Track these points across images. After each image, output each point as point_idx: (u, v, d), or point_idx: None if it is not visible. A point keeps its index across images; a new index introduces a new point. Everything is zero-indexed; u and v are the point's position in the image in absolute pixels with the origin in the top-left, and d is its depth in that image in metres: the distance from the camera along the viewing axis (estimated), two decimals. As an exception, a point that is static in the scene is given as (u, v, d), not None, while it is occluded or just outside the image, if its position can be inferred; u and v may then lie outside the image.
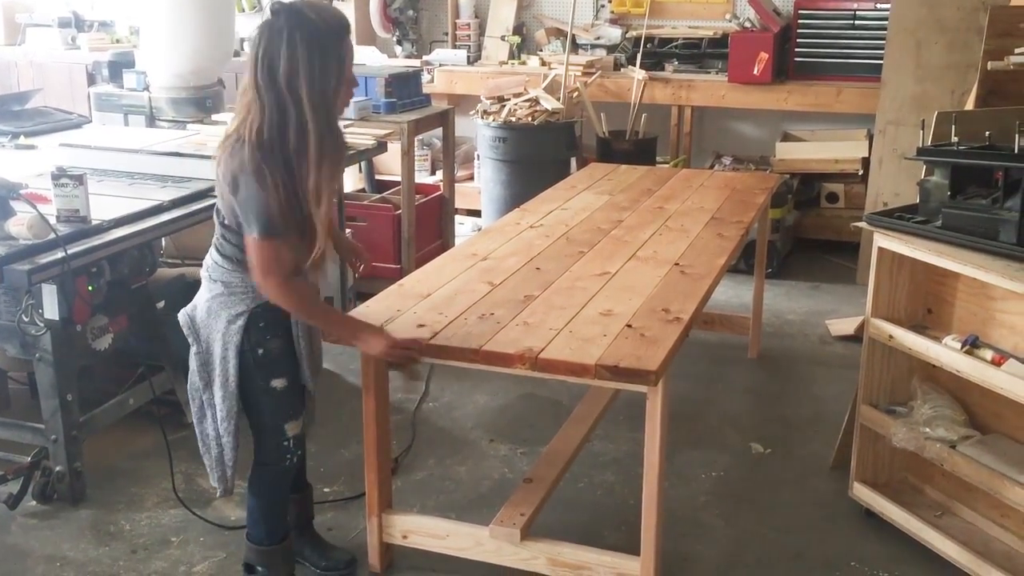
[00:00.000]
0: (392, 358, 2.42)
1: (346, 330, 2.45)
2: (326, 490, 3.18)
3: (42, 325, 2.89)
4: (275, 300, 2.33)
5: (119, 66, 4.85)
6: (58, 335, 2.94)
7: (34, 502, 3.06)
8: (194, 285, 4.19)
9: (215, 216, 2.41)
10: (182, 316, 2.50)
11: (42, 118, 4.48)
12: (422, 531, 2.70)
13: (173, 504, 3.08)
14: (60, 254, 2.79)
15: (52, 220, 2.89)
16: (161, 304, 3.82)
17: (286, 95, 2.19)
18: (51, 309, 2.89)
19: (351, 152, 4.17)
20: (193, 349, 2.48)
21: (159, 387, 3.43)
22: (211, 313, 2.42)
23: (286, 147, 2.23)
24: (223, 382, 2.43)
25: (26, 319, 2.88)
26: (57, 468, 3.05)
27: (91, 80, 5.71)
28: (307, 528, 2.82)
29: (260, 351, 2.41)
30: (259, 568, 2.60)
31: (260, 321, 2.40)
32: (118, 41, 6.81)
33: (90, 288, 3.01)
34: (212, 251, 2.44)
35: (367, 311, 2.62)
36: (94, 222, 3.02)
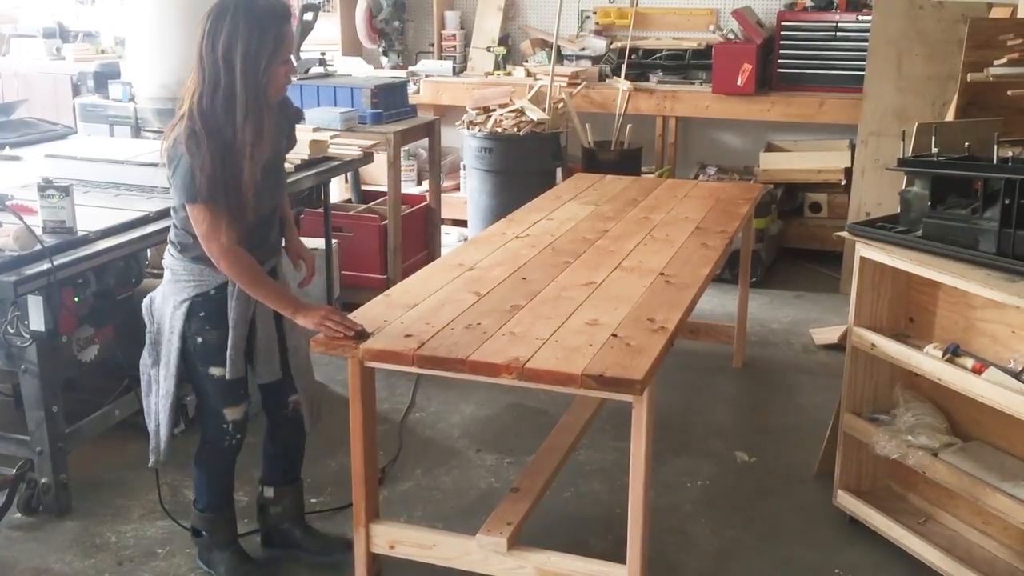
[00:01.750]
0: (325, 331, 2.47)
1: (284, 303, 2.53)
2: (313, 500, 3.18)
3: (27, 336, 2.89)
4: (220, 266, 2.46)
5: (104, 77, 4.85)
6: (44, 346, 2.93)
7: (19, 514, 3.05)
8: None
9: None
10: (145, 300, 2.67)
11: (27, 129, 4.47)
12: (409, 541, 2.70)
13: (159, 516, 3.07)
14: (46, 265, 2.79)
15: (38, 231, 2.89)
16: (147, 315, 3.82)
17: (221, 65, 2.36)
18: (37, 320, 2.88)
19: (337, 163, 4.19)
20: (147, 328, 2.65)
21: (145, 398, 3.42)
22: (164, 298, 2.60)
23: (218, 115, 2.38)
24: (166, 362, 2.59)
25: (11, 330, 2.87)
26: (42, 480, 3.04)
27: (76, 91, 5.70)
28: (299, 520, 2.91)
29: (199, 339, 2.56)
30: (203, 532, 2.78)
31: (200, 311, 2.54)
32: (103, 52, 6.79)
33: (76, 299, 3.01)
34: (170, 242, 2.61)
35: (354, 321, 2.62)
36: (80, 233, 3.01)
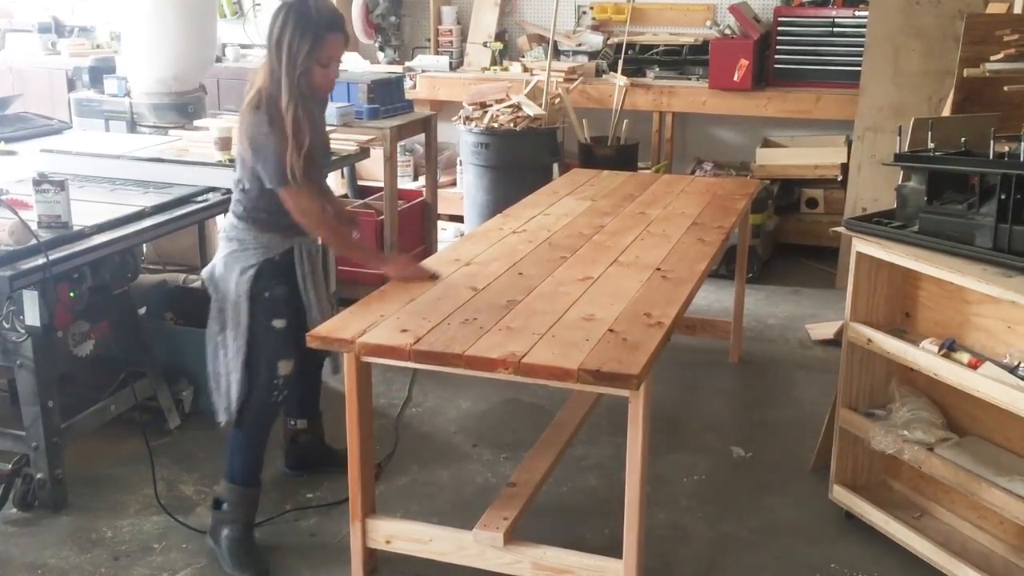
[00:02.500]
0: (405, 280, 2.83)
1: (372, 259, 2.96)
2: (309, 495, 3.18)
3: (23, 331, 2.88)
4: (318, 235, 2.84)
5: (100, 72, 4.84)
6: (39, 341, 2.92)
7: (15, 509, 3.05)
8: (175, 291, 4.22)
9: (234, 182, 2.87)
10: (204, 272, 2.94)
11: (22, 124, 4.46)
12: (405, 536, 2.71)
13: (155, 511, 3.07)
14: (41, 260, 2.78)
15: (33, 226, 2.89)
16: (143, 310, 3.82)
17: (274, 55, 2.72)
18: (32, 315, 2.87)
19: (333, 158, 4.18)
20: (213, 299, 2.89)
21: (141, 393, 3.42)
22: (227, 267, 2.84)
23: (275, 99, 2.70)
24: (235, 324, 2.83)
25: (7, 325, 2.87)
26: (38, 475, 3.04)
27: (71, 86, 5.69)
28: (323, 443, 3.32)
29: (267, 294, 2.81)
30: (225, 505, 2.88)
31: (268, 272, 2.82)
32: (99, 47, 6.78)
33: (72, 294, 3.00)
34: (228, 214, 2.92)
35: (351, 317, 2.63)
36: (75, 228, 3.01)
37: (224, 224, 2.95)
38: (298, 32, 2.70)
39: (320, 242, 2.98)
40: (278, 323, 2.82)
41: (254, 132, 2.72)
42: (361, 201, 5.30)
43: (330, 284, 3.11)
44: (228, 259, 2.84)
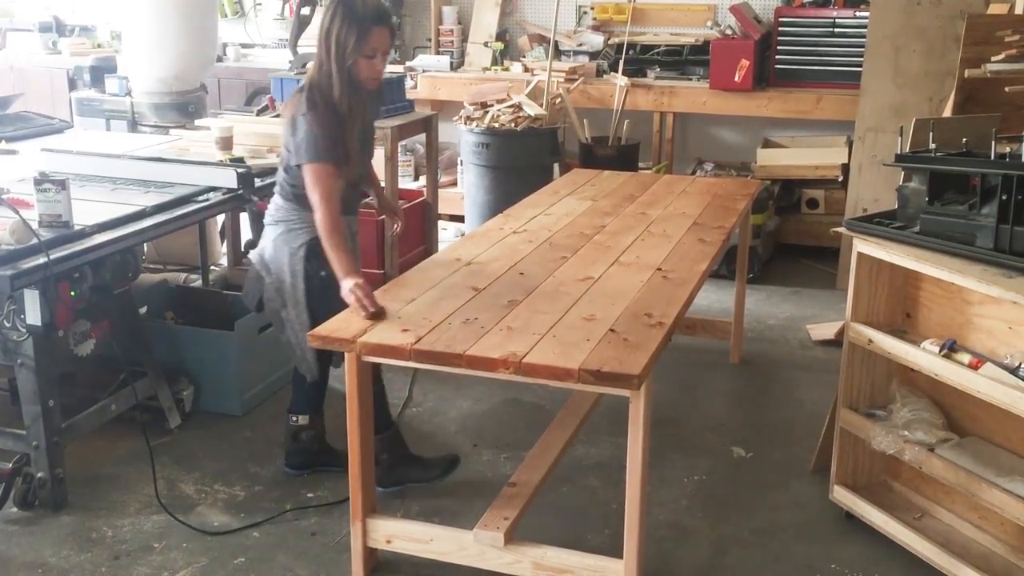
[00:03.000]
0: (348, 300, 2.69)
1: (343, 264, 2.83)
2: (310, 495, 3.18)
3: (24, 331, 2.88)
4: (317, 214, 2.84)
5: (101, 71, 4.84)
6: (40, 341, 2.92)
7: (15, 508, 3.05)
8: (176, 291, 4.23)
9: (280, 166, 3.03)
10: (254, 255, 3.10)
11: (23, 123, 4.46)
12: (406, 536, 2.71)
13: (156, 510, 3.07)
14: (42, 259, 2.79)
15: (34, 225, 2.89)
16: (144, 309, 3.83)
17: (323, 47, 2.86)
18: (33, 314, 2.87)
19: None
20: (267, 280, 3.05)
21: (141, 393, 3.42)
22: (276, 249, 3.00)
23: (323, 88, 2.86)
24: (295, 302, 2.99)
25: (8, 324, 2.87)
26: (39, 474, 3.04)
27: (72, 85, 5.69)
28: (324, 441, 3.33)
29: (323, 273, 2.90)
30: (383, 456, 3.10)
31: (317, 250, 2.90)
32: (99, 46, 6.79)
33: (72, 293, 3.00)
34: (275, 197, 3.05)
35: (352, 316, 2.63)
36: (76, 227, 3.01)
37: (270, 208, 3.06)
38: (345, 25, 2.82)
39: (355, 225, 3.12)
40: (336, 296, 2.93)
41: (294, 112, 2.87)
42: (362, 201, 5.29)
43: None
44: (277, 241, 3.00)
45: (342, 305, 2.73)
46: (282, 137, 2.99)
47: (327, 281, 2.88)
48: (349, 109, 2.87)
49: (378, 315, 2.60)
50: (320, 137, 2.82)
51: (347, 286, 2.70)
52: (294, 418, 3.28)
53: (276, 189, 3.07)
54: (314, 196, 2.84)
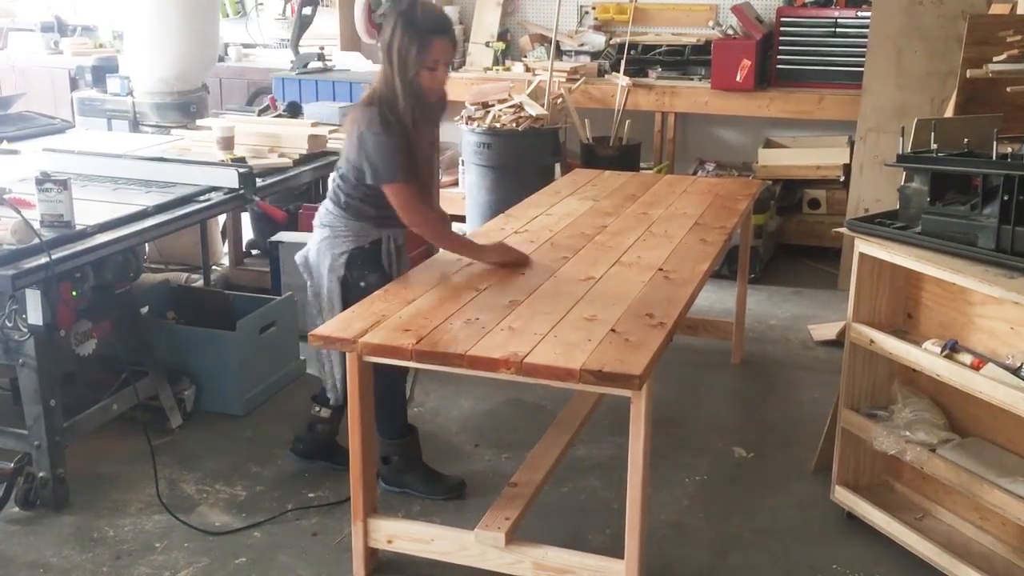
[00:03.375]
0: (507, 266, 2.94)
1: (473, 250, 3.02)
2: (311, 495, 3.18)
3: (25, 330, 2.88)
4: (421, 231, 2.97)
5: (102, 71, 4.84)
6: (42, 340, 2.92)
7: (17, 508, 3.05)
8: (177, 291, 4.23)
9: (335, 171, 3.05)
10: (298, 257, 3.11)
11: (25, 123, 4.47)
12: (407, 536, 2.71)
13: (157, 510, 3.07)
14: (44, 259, 2.79)
15: (36, 225, 2.89)
16: (145, 309, 3.83)
17: (386, 60, 2.88)
18: (35, 314, 2.88)
19: (336, 158, 4.18)
20: (308, 284, 3.09)
21: (143, 392, 3.43)
22: (320, 253, 3.01)
23: (390, 101, 2.86)
24: (329, 309, 2.97)
25: (9, 324, 2.87)
26: (40, 474, 3.04)
27: (74, 85, 5.70)
28: (334, 439, 3.31)
29: (362, 283, 2.95)
30: (394, 458, 3.14)
31: (359, 259, 2.97)
32: (101, 46, 6.79)
33: (74, 293, 3.00)
34: (326, 201, 3.06)
35: (353, 316, 2.63)
36: (78, 227, 3.01)
37: (320, 210, 3.08)
38: (406, 37, 2.82)
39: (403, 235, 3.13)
40: None
41: (365, 129, 2.86)
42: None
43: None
44: (321, 246, 3.01)
45: None
46: (344, 147, 3.01)
47: (365, 292, 2.87)
48: (415, 122, 2.88)
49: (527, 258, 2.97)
50: (399, 157, 2.84)
51: (495, 258, 2.95)
52: (317, 408, 3.28)
53: (328, 194, 3.07)
54: (407, 216, 2.91)
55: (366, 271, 2.98)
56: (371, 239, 3.00)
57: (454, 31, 2.95)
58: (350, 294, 2.95)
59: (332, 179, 3.08)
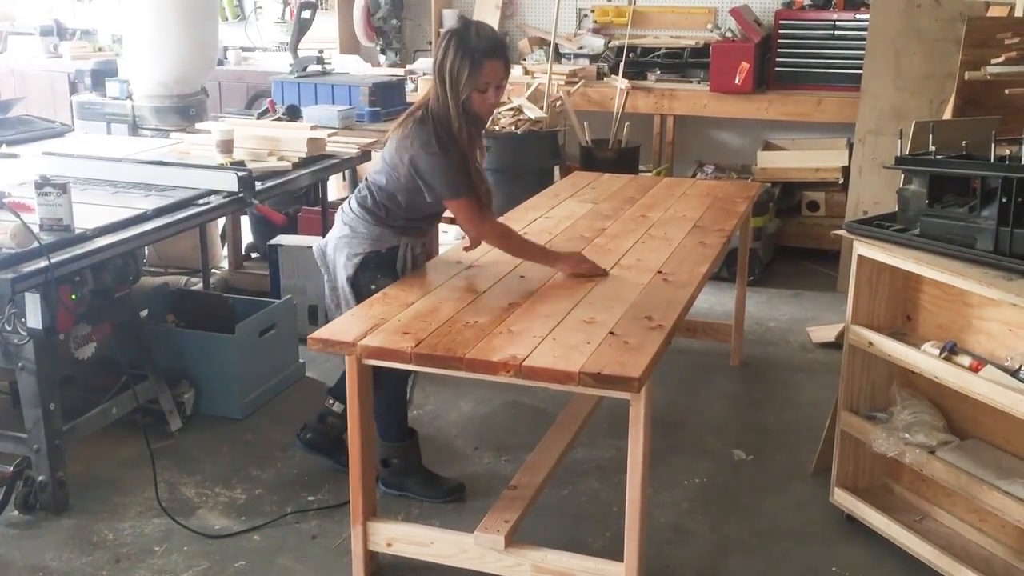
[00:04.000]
0: (579, 275, 2.94)
1: (547, 258, 3.03)
2: (310, 498, 3.18)
3: (25, 334, 2.88)
4: (491, 243, 3.04)
5: (101, 75, 4.85)
6: (41, 344, 2.93)
7: (16, 512, 3.05)
8: (177, 294, 4.23)
9: (369, 174, 3.07)
10: (316, 248, 3.15)
11: (24, 127, 4.47)
12: (406, 539, 2.71)
13: (156, 513, 3.07)
14: (43, 263, 2.79)
15: (35, 229, 2.89)
16: (144, 312, 3.83)
17: (438, 80, 2.87)
18: (34, 318, 2.87)
19: (335, 161, 4.19)
20: (325, 277, 3.11)
21: (142, 396, 3.43)
22: (336, 250, 3.03)
23: (443, 120, 2.86)
24: (345, 305, 3.00)
25: (8, 328, 2.87)
26: (40, 478, 3.04)
27: (73, 89, 5.70)
28: (340, 436, 3.22)
29: (373, 287, 2.95)
30: (394, 461, 3.14)
31: (372, 264, 2.98)
32: (100, 50, 6.80)
33: (73, 297, 3.00)
34: (352, 200, 3.06)
35: (352, 320, 2.63)
36: (77, 231, 3.01)
37: (343, 206, 3.08)
38: (458, 57, 2.81)
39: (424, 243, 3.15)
40: None
41: (421, 148, 2.85)
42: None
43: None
44: (338, 242, 3.03)
45: None
46: (386, 153, 2.99)
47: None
48: (469, 142, 2.89)
49: (606, 272, 2.96)
50: (459, 175, 2.86)
51: (568, 266, 2.94)
52: (331, 400, 3.28)
53: (355, 193, 3.08)
54: (473, 230, 2.98)
55: (379, 275, 2.98)
56: (388, 245, 3.00)
57: (508, 54, 2.93)
58: (361, 296, 2.95)
59: (365, 181, 3.07)
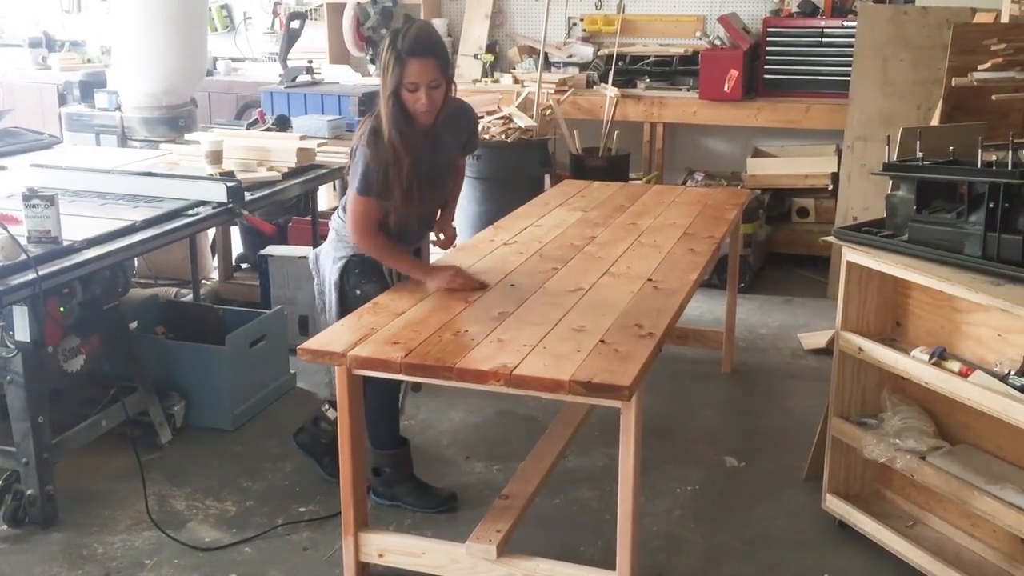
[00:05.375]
0: (452, 291, 2.89)
1: (415, 270, 3.02)
2: (302, 509, 3.17)
3: (13, 347, 2.87)
4: (360, 246, 2.98)
5: (90, 86, 4.84)
6: (29, 357, 2.91)
7: (5, 526, 3.03)
8: (166, 306, 4.22)
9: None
10: (311, 254, 3.23)
11: (12, 138, 4.45)
12: (398, 549, 2.70)
13: (147, 526, 3.05)
14: (31, 275, 2.78)
15: (23, 241, 2.88)
16: (134, 324, 3.82)
17: (380, 81, 2.91)
18: (22, 331, 2.86)
19: (325, 171, 4.19)
20: (315, 281, 3.17)
21: (132, 408, 3.41)
22: (325, 254, 3.10)
23: (379, 118, 2.89)
24: (328, 309, 3.07)
25: (-4, 341, 2.86)
26: (28, 491, 3.02)
27: (62, 100, 5.68)
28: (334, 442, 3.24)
29: (358, 291, 2.99)
30: (386, 469, 3.14)
31: (356, 268, 3.02)
32: (89, 61, 6.78)
33: (62, 309, 2.99)
34: (340, 205, 3.13)
35: (342, 330, 2.63)
36: (66, 243, 3.00)
37: (334, 214, 3.16)
38: (388, 56, 2.85)
39: (422, 242, 3.22)
40: None
41: (357, 139, 2.96)
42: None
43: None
44: (327, 247, 3.11)
45: None
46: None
47: (361, 301, 2.91)
48: (402, 143, 2.86)
49: (485, 285, 2.92)
50: (371, 172, 2.86)
51: (441, 281, 2.89)
52: (327, 406, 3.30)
53: (343, 199, 3.14)
54: (351, 228, 2.94)
55: (363, 280, 3.00)
56: None
57: (440, 55, 2.89)
58: (347, 300, 2.99)
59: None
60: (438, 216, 3.23)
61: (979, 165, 2.58)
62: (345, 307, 2.97)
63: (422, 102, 2.86)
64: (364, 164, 2.88)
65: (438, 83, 2.86)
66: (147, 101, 4.59)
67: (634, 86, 5.97)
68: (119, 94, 4.65)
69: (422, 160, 2.93)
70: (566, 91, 5.88)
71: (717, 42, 5.87)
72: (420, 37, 2.86)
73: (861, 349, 2.85)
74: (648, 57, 6.03)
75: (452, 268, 2.97)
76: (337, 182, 5.45)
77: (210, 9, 6.57)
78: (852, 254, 2.83)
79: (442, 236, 3.25)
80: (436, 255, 5.17)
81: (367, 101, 4.81)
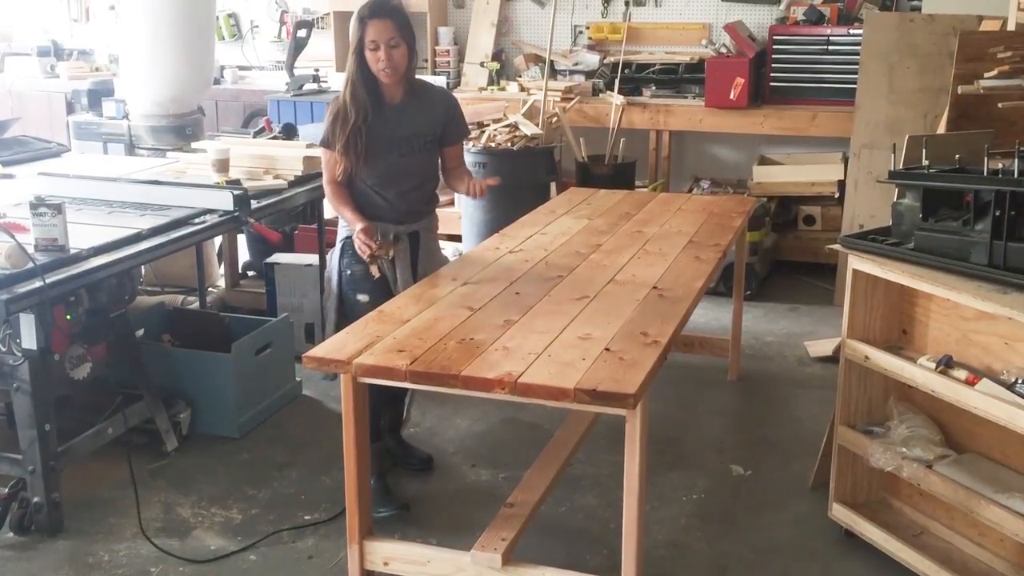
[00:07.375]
0: (359, 243, 3.05)
1: (354, 223, 3.11)
2: (307, 518, 3.16)
3: (20, 355, 2.88)
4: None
5: (98, 94, 4.87)
6: (36, 365, 2.92)
7: (11, 533, 3.03)
8: (173, 313, 4.22)
9: None
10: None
11: (21, 147, 4.47)
12: (403, 557, 2.69)
13: (153, 534, 3.05)
14: (38, 283, 2.79)
15: (30, 249, 2.89)
16: (140, 332, 3.83)
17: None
18: (29, 339, 2.87)
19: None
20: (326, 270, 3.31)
21: (138, 416, 3.42)
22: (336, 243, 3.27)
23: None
24: (329, 294, 3.23)
25: (3, 349, 2.86)
26: (35, 499, 3.03)
27: (70, 109, 5.72)
28: (396, 434, 3.51)
29: (348, 272, 3.16)
30: None
31: (349, 248, 3.15)
32: (97, 70, 6.81)
33: (68, 317, 3.00)
34: None
35: (347, 338, 2.63)
36: (72, 251, 3.01)
37: None
38: (354, 21, 3.05)
39: (416, 227, 3.26)
40: (361, 297, 3.14)
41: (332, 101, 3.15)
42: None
43: (432, 263, 3.28)
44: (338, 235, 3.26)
45: (364, 308, 2.96)
46: None
47: (351, 280, 3.13)
48: (352, 99, 3.05)
49: (375, 257, 3.04)
50: (328, 124, 3.09)
51: (354, 231, 3.05)
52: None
53: None
54: (324, 178, 3.18)
55: (354, 260, 3.14)
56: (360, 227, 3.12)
57: (398, 17, 3.06)
58: (343, 281, 3.17)
59: None
60: (441, 187, 3.40)
61: (985, 173, 2.57)
62: (342, 289, 3.17)
63: (383, 60, 3.03)
64: (329, 115, 3.10)
65: (396, 43, 3.03)
66: (154, 109, 4.62)
67: (640, 94, 5.97)
68: (127, 103, 4.68)
69: (376, 123, 3.09)
70: (572, 99, 5.88)
71: (723, 50, 5.88)
72: (379, 2, 3.07)
73: (867, 357, 2.84)
74: (654, 65, 6.03)
75: (366, 225, 3.07)
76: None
77: (217, 18, 6.59)
78: (858, 262, 2.83)
79: (469, 193, 3.40)
80: (446, 250, 5.17)
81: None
